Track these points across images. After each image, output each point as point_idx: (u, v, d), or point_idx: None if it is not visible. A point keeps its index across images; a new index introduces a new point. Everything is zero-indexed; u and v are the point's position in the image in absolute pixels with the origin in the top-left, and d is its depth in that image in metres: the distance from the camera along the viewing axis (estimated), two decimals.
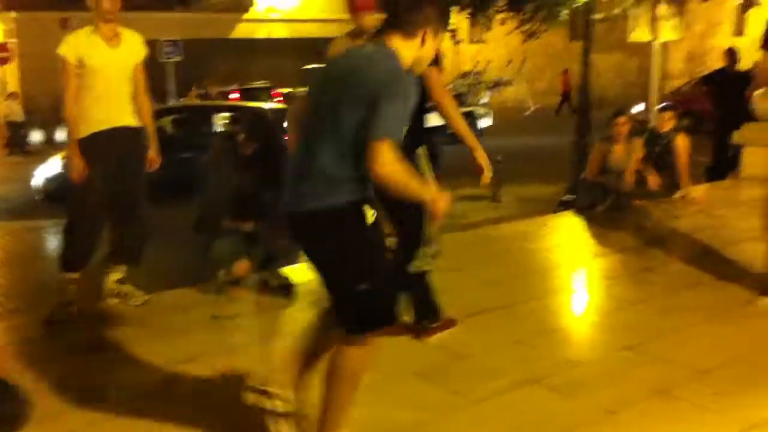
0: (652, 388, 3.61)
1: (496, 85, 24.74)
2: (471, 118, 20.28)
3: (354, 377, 2.79)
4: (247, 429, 3.10)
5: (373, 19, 4.90)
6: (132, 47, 4.79)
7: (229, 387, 3.43)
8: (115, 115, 4.70)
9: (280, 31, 28.28)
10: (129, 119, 4.79)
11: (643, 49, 20.64)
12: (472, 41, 33.40)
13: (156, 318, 4.72)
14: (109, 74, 4.65)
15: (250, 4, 28.32)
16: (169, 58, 21.04)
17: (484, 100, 21.41)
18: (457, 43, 12.26)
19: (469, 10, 11.78)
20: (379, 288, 2.73)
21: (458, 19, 12.64)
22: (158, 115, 13.95)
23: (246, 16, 28.57)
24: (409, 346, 4.10)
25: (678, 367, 3.85)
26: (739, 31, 26.15)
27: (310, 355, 3.00)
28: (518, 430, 3.27)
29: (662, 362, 3.93)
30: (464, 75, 24.74)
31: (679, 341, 4.24)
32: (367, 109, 2.56)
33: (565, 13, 11.97)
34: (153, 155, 4.94)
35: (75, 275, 4.74)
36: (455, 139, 4.11)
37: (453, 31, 11.91)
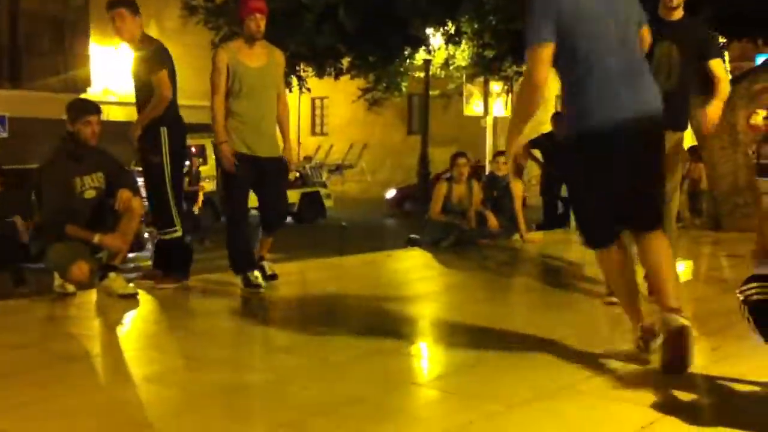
0: (508, 352, 3.68)
1: (338, 168, 25.26)
2: (317, 197, 20.54)
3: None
4: None
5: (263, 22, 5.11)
6: None
7: None
8: None
9: (116, 114, 27.68)
10: None
11: (476, 142, 22.02)
12: (314, 133, 34.28)
13: None
14: None
15: (87, 85, 27.69)
16: None
17: (325, 181, 21.77)
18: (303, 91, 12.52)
19: (312, 64, 12.15)
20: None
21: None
22: None
23: (82, 97, 27.84)
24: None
25: (527, 339, 3.96)
26: None
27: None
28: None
29: (515, 337, 4.03)
30: (306, 158, 25.16)
31: (527, 324, 4.34)
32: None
33: (404, 85, 12.58)
34: None
35: None
36: None
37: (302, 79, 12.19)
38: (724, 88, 4.71)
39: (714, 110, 4.68)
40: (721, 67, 4.74)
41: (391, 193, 22.91)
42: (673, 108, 4.73)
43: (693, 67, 4.72)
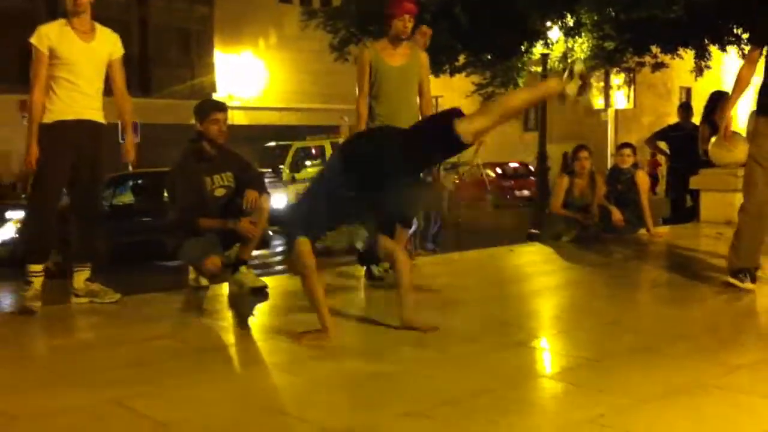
0: (637, 347, 3.60)
1: (453, 166, 25.20)
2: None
3: None
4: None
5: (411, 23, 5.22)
6: (106, 43, 4.74)
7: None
8: (81, 107, 4.60)
9: (240, 119, 28.65)
10: (95, 114, 4.67)
11: (596, 136, 21.48)
12: None
13: (128, 310, 4.60)
14: (81, 66, 4.58)
15: (212, 91, 28.77)
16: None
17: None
18: None
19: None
20: None
21: None
22: (118, 181, 14.20)
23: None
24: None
25: (657, 335, 3.85)
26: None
27: None
28: (501, 375, 3.21)
29: (642, 332, 3.94)
30: None
31: (655, 319, 4.28)
32: None
33: (521, 80, 12.45)
34: (129, 147, 4.87)
35: (38, 267, 4.59)
36: None
37: None
38: None
39: None
40: None
41: None
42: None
43: None
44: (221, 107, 5.12)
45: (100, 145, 4.74)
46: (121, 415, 2.79)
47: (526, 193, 24.28)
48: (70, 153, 4.60)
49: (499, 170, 26.34)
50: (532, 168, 25.60)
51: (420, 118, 5.48)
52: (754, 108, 4.89)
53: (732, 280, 4.71)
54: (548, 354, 3.69)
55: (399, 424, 2.63)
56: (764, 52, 4.90)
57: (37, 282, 4.56)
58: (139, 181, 14.24)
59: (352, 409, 2.81)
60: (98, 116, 4.71)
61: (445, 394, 2.90)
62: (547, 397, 3.03)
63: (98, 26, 4.74)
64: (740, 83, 4.81)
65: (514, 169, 26.02)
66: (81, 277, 4.76)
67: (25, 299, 4.53)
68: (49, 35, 4.55)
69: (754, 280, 4.77)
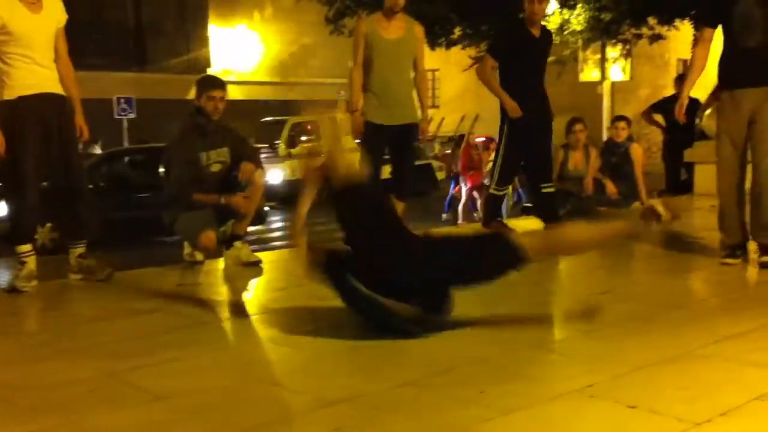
0: (630, 317, 3.63)
1: (451, 139, 25.17)
2: (429, 170, 20.57)
3: None
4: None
5: None
6: (53, 11, 4.55)
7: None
8: (41, 80, 4.45)
9: (235, 93, 28.51)
10: (55, 86, 4.53)
11: (592, 109, 21.43)
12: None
13: (123, 285, 4.62)
14: (33, 39, 4.40)
15: (207, 66, 28.61)
16: (122, 115, 21.22)
17: (437, 154, 21.77)
18: None
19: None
20: None
21: None
22: (115, 155, 14.20)
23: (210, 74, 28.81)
24: None
25: (651, 304, 3.88)
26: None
27: None
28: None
29: (636, 302, 3.97)
30: None
31: (649, 289, 4.34)
32: None
33: None
34: (81, 123, 4.68)
35: (27, 247, 4.52)
36: None
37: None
38: None
39: None
40: None
41: None
42: (762, 63, 4.51)
43: None
44: (219, 84, 5.11)
45: (67, 118, 4.59)
46: (117, 388, 2.81)
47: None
48: (37, 128, 4.43)
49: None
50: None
51: (414, 91, 5.51)
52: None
53: (728, 260, 4.72)
54: (543, 326, 3.71)
55: (394, 394, 2.66)
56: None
57: (31, 261, 4.51)
58: (136, 157, 14.22)
59: (348, 380, 2.83)
60: (58, 88, 4.55)
61: (440, 364, 2.93)
62: (542, 366, 3.06)
63: None
64: (695, 63, 4.76)
65: (481, 143, 25.90)
66: (75, 254, 4.74)
67: (17, 278, 4.48)
68: None
69: (746, 252, 4.79)
